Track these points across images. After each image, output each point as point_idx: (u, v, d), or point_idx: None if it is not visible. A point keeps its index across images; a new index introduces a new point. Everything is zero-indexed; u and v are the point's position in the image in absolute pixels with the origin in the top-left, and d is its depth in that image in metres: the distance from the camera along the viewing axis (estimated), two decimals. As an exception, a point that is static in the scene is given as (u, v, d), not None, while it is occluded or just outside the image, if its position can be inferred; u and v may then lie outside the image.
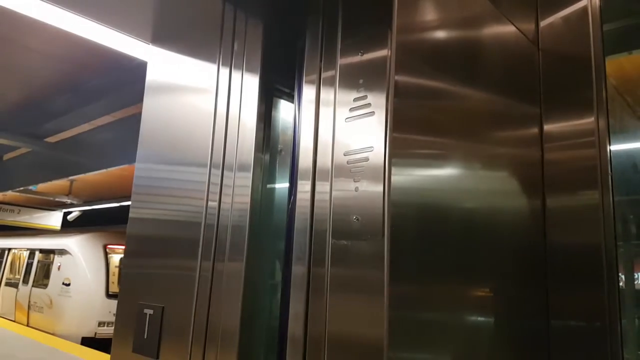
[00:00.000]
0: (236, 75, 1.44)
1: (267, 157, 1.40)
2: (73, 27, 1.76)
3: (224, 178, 1.40)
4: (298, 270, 1.18)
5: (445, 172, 1.21)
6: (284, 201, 1.37)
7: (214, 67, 1.51)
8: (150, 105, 1.75)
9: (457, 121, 1.27)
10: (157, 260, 1.58)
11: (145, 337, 1.47)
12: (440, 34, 1.24)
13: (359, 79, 1.12)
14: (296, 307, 1.16)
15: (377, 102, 1.07)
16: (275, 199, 1.43)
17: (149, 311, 1.49)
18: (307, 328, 1.13)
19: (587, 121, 1.53)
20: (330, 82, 1.21)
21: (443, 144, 1.20)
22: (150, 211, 1.66)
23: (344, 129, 1.14)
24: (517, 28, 1.54)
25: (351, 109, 1.13)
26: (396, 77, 1.05)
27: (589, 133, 1.52)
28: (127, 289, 1.66)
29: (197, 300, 1.38)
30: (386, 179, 1.01)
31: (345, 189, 1.10)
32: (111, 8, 1.63)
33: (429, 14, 1.20)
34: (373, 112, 1.08)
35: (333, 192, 1.13)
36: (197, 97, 1.56)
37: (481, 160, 1.35)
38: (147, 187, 1.69)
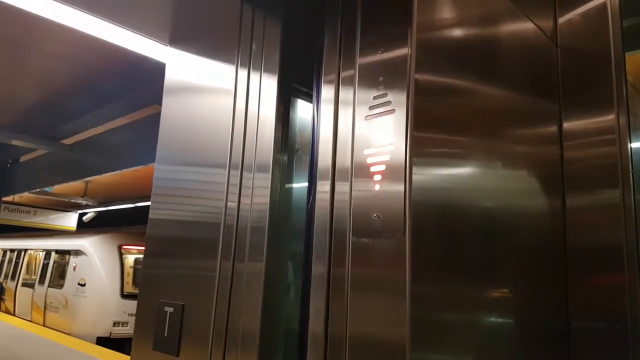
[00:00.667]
0: (254, 75, 1.45)
1: (285, 157, 1.40)
2: (90, 29, 1.77)
3: (243, 179, 1.41)
4: (318, 269, 1.18)
5: (465, 171, 1.20)
6: (303, 201, 1.37)
7: (232, 67, 1.52)
8: (169, 107, 1.77)
9: (477, 119, 1.26)
10: (176, 260, 1.59)
11: (166, 334, 1.48)
12: (460, 32, 1.24)
13: (379, 76, 1.12)
14: (316, 307, 1.16)
15: (398, 100, 1.07)
16: (294, 198, 1.44)
17: (169, 309, 1.50)
18: (327, 328, 1.13)
19: (607, 118, 1.51)
20: (350, 81, 1.21)
21: (463, 142, 1.20)
22: (170, 212, 1.68)
23: (364, 127, 1.14)
24: (535, 25, 1.52)
25: (371, 107, 1.13)
26: (416, 75, 1.05)
27: (609, 130, 1.50)
28: (147, 288, 1.68)
29: (217, 300, 1.39)
30: (407, 176, 1.01)
31: (365, 187, 1.10)
32: (130, 10, 1.65)
33: (448, 12, 1.20)
34: (393, 109, 1.08)
35: (353, 191, 1.13)
36: (216, 97, 1.57)
37: (501, 158, 1.35)
38: (166, 187, 1.70)
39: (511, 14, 1.45)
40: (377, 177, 1.07)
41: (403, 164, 1.02)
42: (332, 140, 1.22)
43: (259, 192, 1.36)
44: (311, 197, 1.28)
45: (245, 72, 1.47)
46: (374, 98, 1.12)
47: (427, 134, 1.07)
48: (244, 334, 1.30)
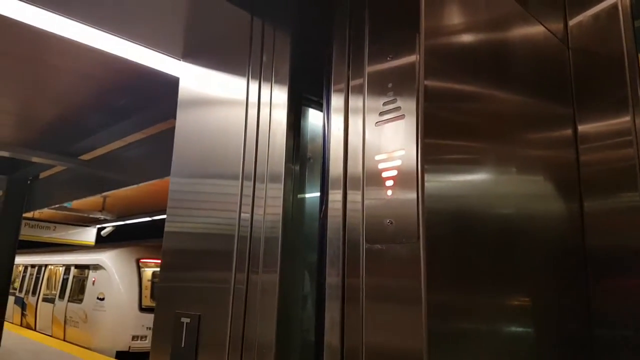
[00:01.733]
0: (265, 86, 1.46)
1: (297, 166, 1.41)
2: (106, 46, 1.82)
3: (255, 189, 1.41)
4: (332, 279, 1.18)
5: (478, 176, 1.19)
6: (316, 210, 1.37)
7: (243, 79, 1.54)
8: (183, 120, 1.79)
9: (489, 124, 1.25)
10: (192, 272, 1.60)
11: (183, 345, 1.49)
12: (468, 37, 1.23)
13: (388, 83, 1.13)
14: (332, 317, 1.16)
15: (407, 106, 1.07)
16: (307, 208, 1.44)
17: (185, 320, 1.51)
18: (343, 338, 1.12)
19: (622, 120, 1.49)
20: (359, 88, 1.22)
21: (476, 147, 1.19)
22: (185, 224, 1.69)
23: (374, 134, 1.14)
24: (545, 28, 1.52)
25: (381, 113, 1.13)
26: (426, 82, 1.05)
27: (626, 132, 1.48)
28: (163, 300, 1.69)
29: (233, 311, 1.40)
30: (419, 182, 1.00)
31: (377, 194, 1.10)
32: (144, 27, 1.68)
33: (457, 17, 1.20)
34: (403, 115, 1.07)
35: (365, 198, 1.13)
36: (228, 109, 1.59)
37: (514, 163, 1.33)
38: (181, 200, 1.72)
39: (521, 17, 1.45)
40: (389, 183, 1.07)
41: (415, 170, 1.02)
42: (343, 147, 1.22)
43: (271, 202, 1.36)
44: (324, 205, 1.28)
45: (257, 84, 1.49)
46: (384, 104, 1.13)
47: (438, 139, 1.07)
48: (260, 344, 1.30)
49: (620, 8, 1.50)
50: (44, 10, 1.61)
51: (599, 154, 1.54)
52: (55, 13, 1.62)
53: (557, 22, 1.59)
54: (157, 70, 1.96)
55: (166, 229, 1.73)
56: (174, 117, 6.04)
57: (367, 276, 1.09)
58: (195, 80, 1.78)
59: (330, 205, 1.23)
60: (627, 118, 1.47)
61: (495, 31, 1.34)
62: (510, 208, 1.29)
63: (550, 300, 1.39)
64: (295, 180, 1.39)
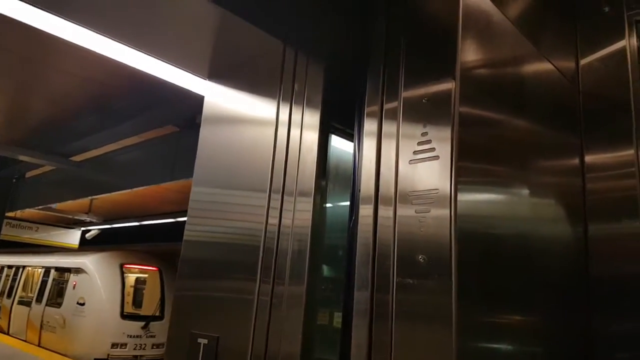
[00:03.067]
0: (297, 111, 1.53)
1: (324, 182, 1.47)
2: (130, 60, 1.81)
3: (284, 202, 1.47)
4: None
5: (503, 207, 1.28)
6: (342, 223, 1.43)
7: (274, 102, 1.60)
8: (208, 134, 1.84)
9: (512, 157, 1.35)
10: (213, 282, 1.63)
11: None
12: (494, 79, 1.33)
13: (423, 123, 1.21)
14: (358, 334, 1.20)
15: (441, 146, 1.15)
16: (334, 221, 1.49)
17: (203, 341, 1.48)
18: (370, 358, 1.17)
19: (627, 153, 1.59)
20: (392, 129, 1.30)
21: (501, 181, 1.28)
22: (207, 233, 1.73)
23: (408, 170, 1.22)
24: (556, 68, 1.62)
25: (415, 152, 1.21)
26: (460, 129, 1.13)
27: (629, 164, 1.58)
28: (178, 315, 1.71)
29: (256, 325, 1.41)
30: (452, 217, 1.08)
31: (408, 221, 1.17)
32: (172, 46, 1.73)
33: (485, 63, 1.29)
34: (437, 156, 1.16)
35: (397, 222, 1.20)
36: (257, 128, 1.65)
37: (533, 194, 1.42)
38: (203, 210, 1.76)
39: (535, 57, 1.55)
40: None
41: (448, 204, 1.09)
42: (374, 180, 1.30)
43: (299, 215, 1.42)
44: (352, 220, 1.35)
45: (287, 109, 1.56)
46: (418, 144, 1.20)
47: (471, 178, 1.15)
48: (284, 357, 1.33)
49: (628, 49, 1.61)
50: (58, 18, 1.58)
51: (604, 183, 1.64)
52: (76, 23, 1.60)
53: (569, 62, 1.70)
54: (159, 78, 1.95)
55: (185, 237, 1.76)
56: (174, 123, 6.04)
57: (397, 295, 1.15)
58: (222, 98, 1.83)
59: (360, 220, 1.29)
60: (632, 151, 1.57)
61: (515, 70, 1.44)
62: (528, 237, 1.37)
63: (557, 319, 1.47)
64: (322, 196, 1.45)
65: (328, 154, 1.49)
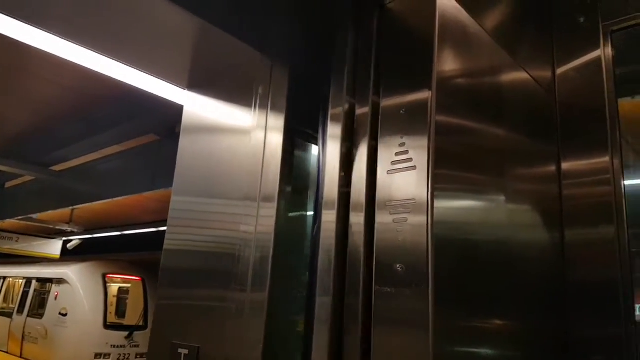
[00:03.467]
0: (262, 116, 1.55)
1: (289, 189, 1.47)
2: (110, 71, 1.81)
3: (254, 209, 1.46)
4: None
5: (481, 218, 1.29)
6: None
7: (247, 111, 1.61)
8: (186, 144, 1.84)
9: (489, 167, 1.37)
10: (192, 292, 1.62)
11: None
12: (471, 90, 1.35)
13: (400, 134, 1.22)
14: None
15: (418, 155, 1.17)
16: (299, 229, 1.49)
17: (183, 351, 1.48)
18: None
19: (602, 160, 1.62)
20: (361, 136, 1.31)
21: (479, 189, 1.29)
22: (186, 242, 1.72)
23: (385, 181, 1.23)
24: (532, 77, 1.65)
25: (393, 162, 1.22)
26: (436, 138, 1.14)
27: (604, 171, 1.61)
28: (160, 323, 1.70)
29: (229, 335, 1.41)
30: (429, 224, 1.09)
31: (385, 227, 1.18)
32: (151, 57, 1.73)
33: (461, 72, 1.31)
34: (415, 166, 1.17)
35: (376, 230, 1.20)
36: (231, 137, 1.66)
37: (510, 200, 1.44)
38: (182, 219, 1.75)
39: (511, 67, 1.57)
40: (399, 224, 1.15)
41: (425, 212, 1.10)
42: (338, 173, 1.30)
43: (263, 221, 1.42)
44: (316, 226, 1.35)
45: (256, 114, 1.57)
46: (396, 154, 1.22)
47: (447, 186, 1.16)
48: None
49: (603, 59, 1.65)
50: (34, 28, 1.56)
51: (580, 189, 1.66)
52: (52, 33, 1.58)
53: (545, 71, 1.73)
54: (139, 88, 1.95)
55: (165, 246, 1.75)
56: (155, 132, 5.99)
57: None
58: (200, 107, 1.83)
59: (323, 226, 1.30)
60: (607, 158, 1.60)
61: (492, 80, 1.46)
62: (505, 245, 1.39)
63: (535, 324, 1.49)
64: (288, 202, 1.45)
65: (294, 158, 1.49)
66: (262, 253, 1.39)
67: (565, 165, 1.69)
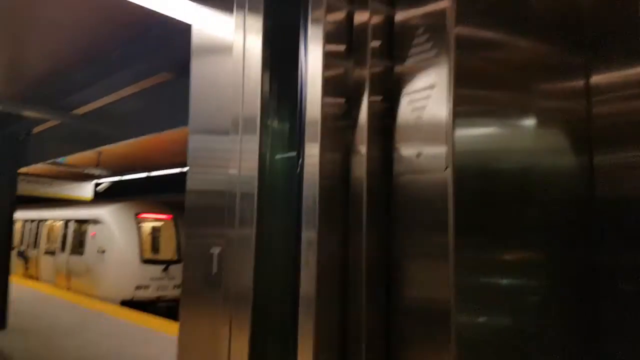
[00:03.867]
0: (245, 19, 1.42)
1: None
2: None
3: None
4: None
5: (501, 126, 1.22)
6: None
7: (229, 15, 1.49)
8: (197, 71, 1.74)
9: (511, 75, 1.26)
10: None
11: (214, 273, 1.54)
12: None
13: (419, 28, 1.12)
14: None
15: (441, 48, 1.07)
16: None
17: (216, 249, 1.55)
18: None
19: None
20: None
21: (498, 98, 1.20)
22: (202, 181, 1.71)
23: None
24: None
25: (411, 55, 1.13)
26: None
27: (640, 84, 1.48)
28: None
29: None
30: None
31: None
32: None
33: None
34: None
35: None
36: (226, 58, 1.56)
37: (531, 114, 1.35)
38: (197, 157, 1.73)
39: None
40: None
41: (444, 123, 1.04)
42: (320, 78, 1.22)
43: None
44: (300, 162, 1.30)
45: (238, 17, 1.44)
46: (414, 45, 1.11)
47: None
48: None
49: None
50: None
51: (613, 105, 1.54)
52: None
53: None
54: (147, 23, 1.83)
55: (188, 187, 1.75)
56: (169, 70, 5.87)
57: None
58: (208, 23, 1.69)
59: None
60: (644, 69, 1.47)
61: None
62: (527, 160, 1.32)
63: (561, 252, 1.45)
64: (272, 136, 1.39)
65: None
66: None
67: (595, 79, 1.56)
